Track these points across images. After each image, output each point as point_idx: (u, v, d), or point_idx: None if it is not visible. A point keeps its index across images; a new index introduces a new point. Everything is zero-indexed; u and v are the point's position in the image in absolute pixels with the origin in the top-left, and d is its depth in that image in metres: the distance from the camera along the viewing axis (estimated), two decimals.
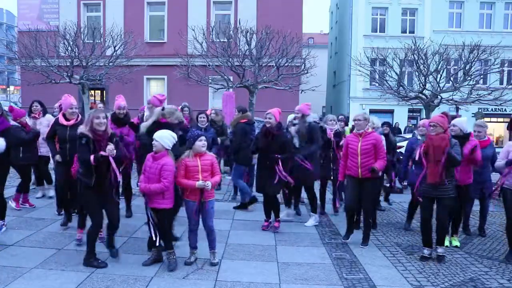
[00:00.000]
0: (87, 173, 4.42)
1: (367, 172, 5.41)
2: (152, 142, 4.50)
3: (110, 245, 4.70)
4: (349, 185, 5.65)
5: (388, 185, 8.11)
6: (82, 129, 4.46)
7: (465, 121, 5.82)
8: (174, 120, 5.30)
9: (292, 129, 6.43)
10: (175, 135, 4.61)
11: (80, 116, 5.97)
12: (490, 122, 22.35)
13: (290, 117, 7.19)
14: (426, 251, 5.20)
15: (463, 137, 5.53)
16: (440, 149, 4.83)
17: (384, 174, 7.36)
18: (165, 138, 4.48)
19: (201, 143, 4.51)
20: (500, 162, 5.33)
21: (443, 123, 4.96)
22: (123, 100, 6.46)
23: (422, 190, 5.10)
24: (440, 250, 5.18)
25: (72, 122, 5.73)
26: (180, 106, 8.26)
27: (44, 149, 6.92)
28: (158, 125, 5.08)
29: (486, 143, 6.03)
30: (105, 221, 4.65)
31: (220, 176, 4.79)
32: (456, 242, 5.77)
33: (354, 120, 5.59)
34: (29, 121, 7.14)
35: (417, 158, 5.13)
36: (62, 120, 5.77)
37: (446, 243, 5.55)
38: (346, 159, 5.66)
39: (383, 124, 7.88)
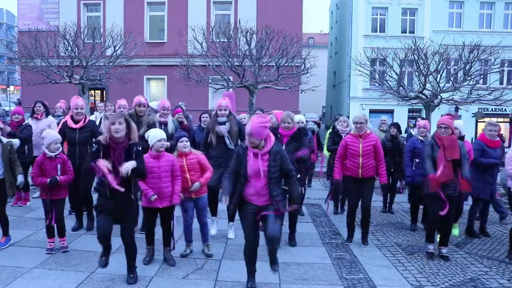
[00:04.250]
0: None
1: (368, 172, 5.45)
2: (163, 144, 4.57)
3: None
4: (350, 186, 5.62)
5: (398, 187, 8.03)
6: (101, 136, 4.11)
7: (462, 123, 5.91)
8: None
9: (222, 128, 5.65)
10: None
11: (87, 118, 5.95)
12: None
13: (297, 117, 7.15)
14: (431, 247, 5.28)
15: (459, 140, 5.57)
16: (454, 149, 4.94)
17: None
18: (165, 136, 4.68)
19: (182, 144, 4.72)
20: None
21: (452, 125, 5.11)
22: (123, 100, 6.36)
23: (432, 190, 5.09)
24: (444, 250, 5.26)
25: (80, 124, 5.72)
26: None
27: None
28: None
29: (498, 144, 6.03)
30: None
31: (211, 171, 4.90)
32: (455, 231, 5.80)
33: (355, 122, 5.58)
34: (30, 121, 7.17)
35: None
36: (71, 123, 5.74)
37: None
38: (342, 160, 5.62)
39: (391, 125, 7.82)
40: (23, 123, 6.85)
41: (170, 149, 5.52)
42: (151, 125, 5.84)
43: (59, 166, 4.89)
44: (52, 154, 4.87)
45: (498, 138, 6.09)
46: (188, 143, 4.77)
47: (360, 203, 5.64)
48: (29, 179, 6.93)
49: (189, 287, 4.20)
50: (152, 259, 4.76)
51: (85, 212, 5.93)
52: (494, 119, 23.10)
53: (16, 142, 5.49)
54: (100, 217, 4.02)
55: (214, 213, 5.84)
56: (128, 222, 4.11)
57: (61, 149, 5.00)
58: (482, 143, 5.95)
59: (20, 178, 5.09)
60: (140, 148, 3.98)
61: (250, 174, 3.94)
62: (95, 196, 4.44)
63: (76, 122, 5.77)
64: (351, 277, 4.57)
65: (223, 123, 5.67)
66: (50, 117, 7.36)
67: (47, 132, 5.16)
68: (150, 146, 4.58)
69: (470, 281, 4.54)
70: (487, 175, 5.96)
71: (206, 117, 6.97)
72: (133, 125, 4.04)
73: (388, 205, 7.63)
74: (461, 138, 5.71)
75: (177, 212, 5.11)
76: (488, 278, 4.66)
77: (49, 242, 4.97)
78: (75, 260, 4.69)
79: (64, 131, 5.70)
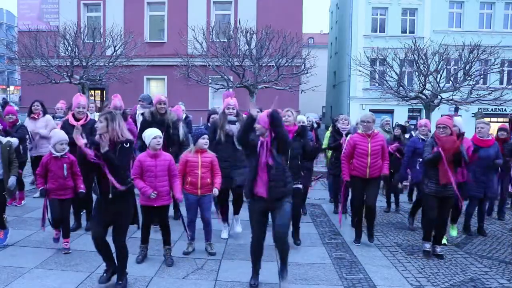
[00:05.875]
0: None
1: (375, 172, 5.45)
2: (159, 141, 4.58)
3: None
4: (356, 186, 5.58)
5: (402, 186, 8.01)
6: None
7: (461, 121, 5.88)
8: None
9: (233, 128, 5.48)
10: None
11: (89, 117, 5.95)
12: (490, 122, 22.30)
13: (298, 118, 7.15)
14: (428, 245, 5.26)
15: (459, 136, 5.57)
16: (452, 150, 4.93)
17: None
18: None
19: (203, 141, 4.78)
20: None
21: (451, 125, 5.09)
22: (119, 100, 6.40)
23: (432, 190, 5.10)
24: (438, 249, 5.26)
25: (81, 122, 5.69)
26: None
27: (44, 149, 6.92)
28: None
29: (490, 143, 6.00)
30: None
31: (220, 177, 4.92)
32: (454, 232, 5.78)
33: (363, 121, 5.57)
34: (27, 121, 7.16)
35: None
36: (72, 121, 5.74)
37: (444, 241, 5.64)
38: (349, 159, 5.58)
39: (396, 126, 7.85)
40: (17, 123, 6.84)
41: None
42: (175, 123, 5.93)
43: (65, 165, 4.88)
44: (58, 154, 4.88)
45: (490, 137, 6.05)
46: (209, 141, 4.86)
47: (364, 201, 5.62)
48: (24, 178, 6.98)
49: (189, 287, 4.19)
50: (145, 258, 4.76)
51: (84, 211, 5.94)
52: (494, 119, 23.17)
53: (15, 141, 5.48)
54: (93, 221, 4.00)
55: (238, 211, 5.90)
56: (120, 224, 3.95)
57: (67, 149, 4.98)
58: (472, 143, 5.93)
59: (12, 180, 4.99)
60: (127, 146, 3.79)
61: (261, 163, 3.93)
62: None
63: (77, 120, 5.77)
64: (351, 277, 4.57)
65: (234, 122, 5.55)
66: (47, 116, 7.34)
67: (54, 131, 5.16)
68: (147, 145, 4.60)
69: (470, 281, 4.53)
70: (479, 174, 5.93)
71: (216, 118, 6.95)
72: (113, 124, 3.78)
73: (395, 205, 7.67)
74: (461, 135, 5.70)
75: (184, 213, 5.12)
76: (488, 278, 4.66)
77: (56, 233, 4.98)
78: (75, 260, 4.69)
79: (65, 128, 5.70)
